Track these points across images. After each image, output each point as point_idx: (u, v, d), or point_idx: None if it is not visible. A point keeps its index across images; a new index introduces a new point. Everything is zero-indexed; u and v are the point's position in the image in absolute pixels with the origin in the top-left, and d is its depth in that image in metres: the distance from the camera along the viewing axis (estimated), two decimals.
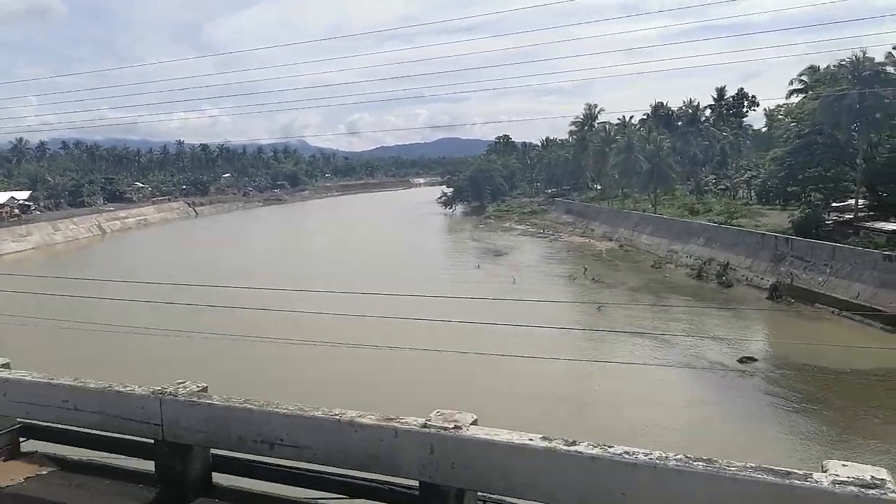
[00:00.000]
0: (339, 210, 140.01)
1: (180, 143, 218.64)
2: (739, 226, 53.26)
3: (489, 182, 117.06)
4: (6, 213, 79.40)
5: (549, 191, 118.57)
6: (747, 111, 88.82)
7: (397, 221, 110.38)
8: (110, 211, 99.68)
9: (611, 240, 69.84)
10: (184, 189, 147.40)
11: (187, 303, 25.70)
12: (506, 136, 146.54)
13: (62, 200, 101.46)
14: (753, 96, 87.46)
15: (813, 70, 72.92)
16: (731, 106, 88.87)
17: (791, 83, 74.89)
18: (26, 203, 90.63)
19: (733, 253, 48.08)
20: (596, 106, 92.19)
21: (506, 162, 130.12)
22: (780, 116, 74.39)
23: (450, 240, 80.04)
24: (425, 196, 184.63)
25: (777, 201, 63.15)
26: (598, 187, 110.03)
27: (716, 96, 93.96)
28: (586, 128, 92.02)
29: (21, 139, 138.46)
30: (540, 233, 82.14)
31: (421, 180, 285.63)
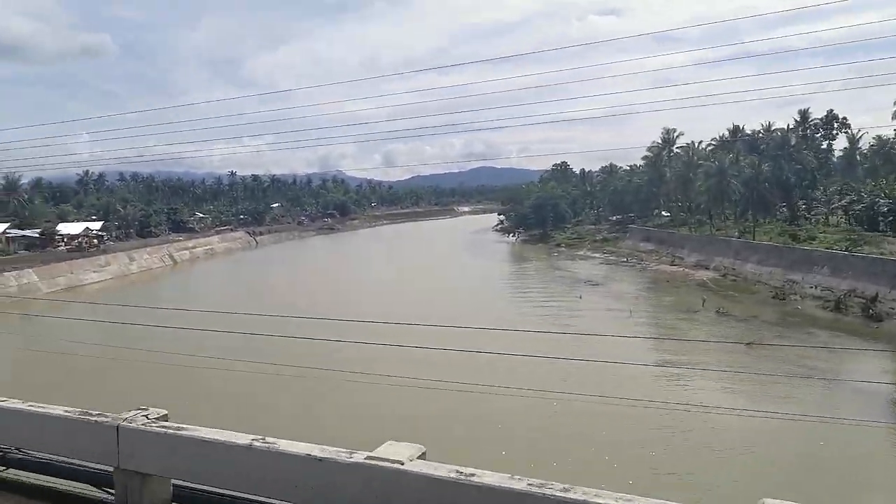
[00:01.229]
0: (395, 239, 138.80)
1: (233, 174, 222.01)
2: (864, 254, 49.45)
3: (554, 209, 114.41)
4: (86, 243, 79.61)
5: (614, 218, 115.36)
6: (837, 133, 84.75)
7: (462, 249, 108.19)
8: (179, 241, 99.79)
9: (707, 268, 66.17)
10: (241, 219, 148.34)
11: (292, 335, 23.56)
12: (563, 163, 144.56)
13: (132, 230, 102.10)
14: (844, 118, 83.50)
15: None
16: (819, 128, 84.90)
17: None
18: (100, 233, 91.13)
19: (872, 283, 44.28)
20: (674, 130, 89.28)
21: (566, 189, 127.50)
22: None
23: (529, 269, 77.22)
24: (476, 224, 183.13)
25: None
26: (666, 214, 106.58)
27: (799, 119, 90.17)
28: (664, 153, 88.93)
29: (87, 171, 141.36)
30: (623, 261, 78.84)
31: (465, 208, 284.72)
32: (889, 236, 59.10)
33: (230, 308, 31.98)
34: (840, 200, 74.28)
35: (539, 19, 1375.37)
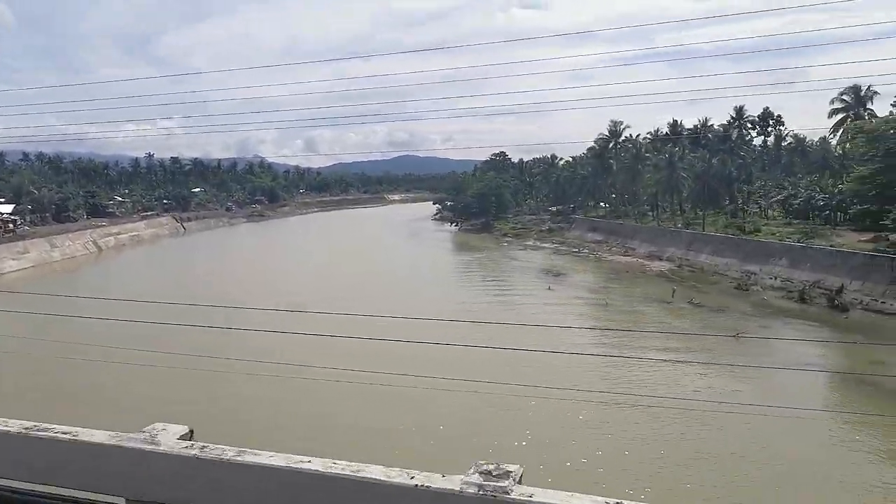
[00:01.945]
0: (331, 227, 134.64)
1: (150, 155, 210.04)
2: (820, 246, 51.54)
3: (498, 199, 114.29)
4: (0, 228, 72.03)
5: (554, 208, 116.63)
6: (772, 130, 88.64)
7: (406, 238, 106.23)
8: (103, 226, 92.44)
9: (661, 259, 67.49)
10: (165, 203, 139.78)
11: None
12: (502, 153, 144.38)
13: (48, 215, 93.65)
14: (779, 115, 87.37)
15: (856, 89, 73.28)
16: (755, 125, 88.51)
17: (832, 102, 75.16)
18: (12, 217, 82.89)
19: (832, 275, 46.05)
20: (621, 123, 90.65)
21: (505, 179, 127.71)
22: (831, 136, 74.17)
23: (484, 259, 76.32)
24: (410, 212, 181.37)
25: (842, 221, 62.34)
26: (604, 205, 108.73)
27: (734, 115, 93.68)
28: (611, 145, 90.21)
29: None
30: (574, 251, 79.38)
31: (395, 196, 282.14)
32: (842, 229, 61.59)
33: (162, 297, 28.90)
34: (778, 195, 77.66)
35: (464, 9, 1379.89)
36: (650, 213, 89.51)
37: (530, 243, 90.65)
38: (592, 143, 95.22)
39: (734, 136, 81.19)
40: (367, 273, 60.16)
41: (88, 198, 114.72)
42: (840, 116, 73.56)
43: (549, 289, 53.03)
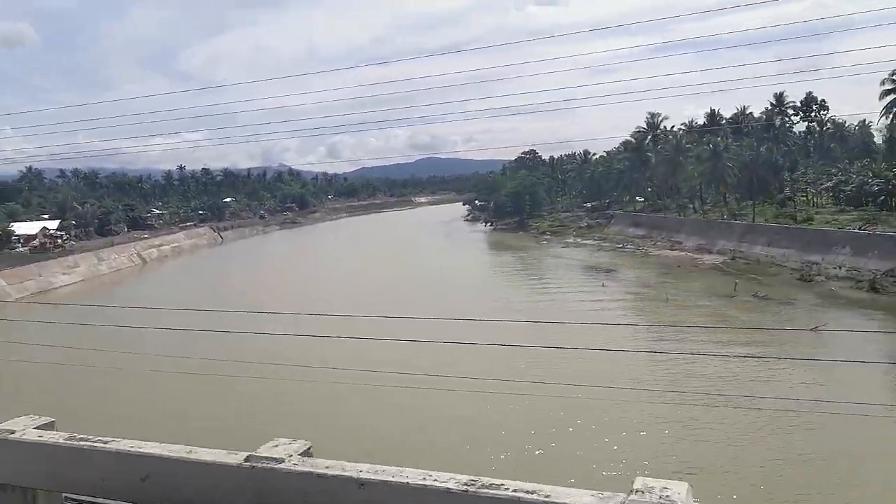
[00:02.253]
0: (365, 231, 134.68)
1: (182, 168, 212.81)
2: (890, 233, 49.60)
3: (532, 197, 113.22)
4: (50, 243, 73.21)
5: (588, 204, 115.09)
6: (815, 116, 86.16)
7: (441, 239, 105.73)
8: (145, 238, 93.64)
9: (711, 252, 65.85)
10: (200, 214, 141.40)
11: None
12: (532, 151, 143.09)
13: (91, 229, 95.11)
14: (823, 100, 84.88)
15: None
16: (797, 111, 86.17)
17: (882, 83, 72.68)
18: (58, 232, 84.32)
19: None
20: (658, 115, 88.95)
21: (537, 177, 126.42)
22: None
23: (526, 258, 75.28)
24: (440, 214, 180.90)
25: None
26: (640, 199, 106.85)
27: (774, 102, 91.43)
28: (648, 138, 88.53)
29: (30, 167, 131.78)
30: (618, 247, 78.02)
31: (422, 199, 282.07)
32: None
33: (217, 307, 28.79)
34: (827, 182, 75.41)
35: (479, 9, 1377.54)
36: (691, 206, 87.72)
37: (570, 240, 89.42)
38: (628, 137, 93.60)
39: (777, 123, 78.99)
40: (415, 276, 59.70)
41: (128, 211, 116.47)
42: (892, 97, 71.02)
43: (603, 286, 52.03)
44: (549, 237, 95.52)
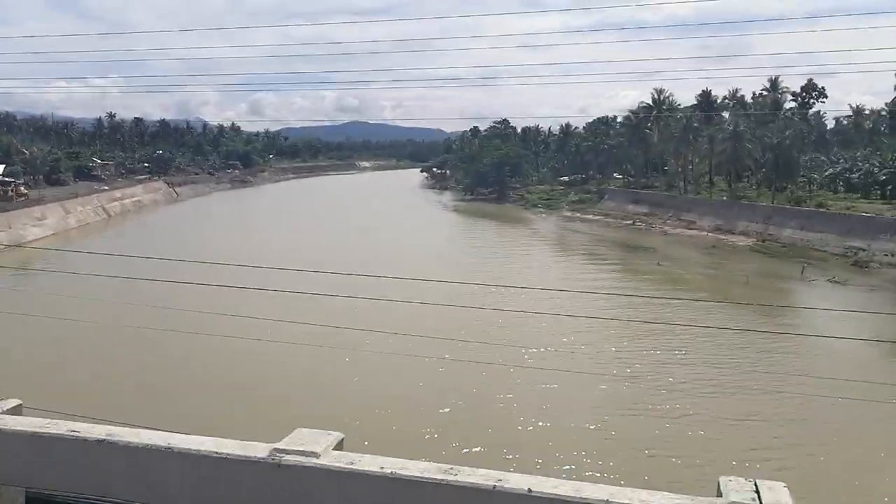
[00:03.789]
0: (331, 194, 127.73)
1: (112, 115, 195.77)
2: None
3: (515, 168, 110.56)
4: (13, 191, 63.54)
5: (566, 178, 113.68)
6: (814, 103, 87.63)
7: (431, 209, 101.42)
8: (105, 191, 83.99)
9: (733, 233, 65.22)
10: (146, 167, 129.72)
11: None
12: (505, 121, 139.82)
13: (41, 177, 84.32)
14: (822, 87, 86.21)
15: None
16: (796, 97, 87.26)
17: None
18: (7, 179, 73.81)
19: None
20: (662, 91, 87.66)
21: (521, 148, 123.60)
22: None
23: (544, 233, 72.12)
24: (393, 180, 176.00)
25: None
26: (618, 176, 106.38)
27: (768, 86, 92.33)
28: (654, 114, 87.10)
29: None
30: (628, 223, 76.43)
31: (366, 164, 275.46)
32: None
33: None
34: (831, 168, 76.58)
35: None
36: (677, 186, 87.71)
37: (568, 214, 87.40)
38: (627, 112, 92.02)
39: (787, 107, 79.46)
40: (450, 255, 55.22)
41: (72, 159, 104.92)
42: None
43: (659, 265, 49.98)
44: (542, 210, 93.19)
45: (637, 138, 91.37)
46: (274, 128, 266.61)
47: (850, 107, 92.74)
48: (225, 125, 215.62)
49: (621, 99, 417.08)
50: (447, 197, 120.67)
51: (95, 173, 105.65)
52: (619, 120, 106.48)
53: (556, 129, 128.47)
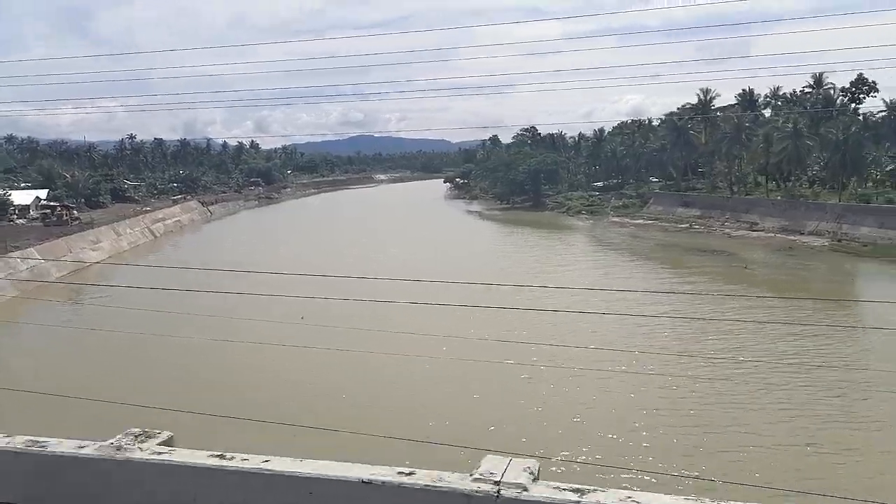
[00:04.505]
0: (358, 209, 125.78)
1: (132, 137, 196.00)
2: None
3: (550, 176, 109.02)
4: (66, 216, 62.48)
5: (600, 184, 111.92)
6: (864, 98, 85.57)
7: (466, 219, 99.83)
8: (147, 212, 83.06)
9: (801, 233, 63.24)
10: (175, 187, 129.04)
11: None
12: (532, 129, 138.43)
13: (82, 200, 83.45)
14: (874, 81, 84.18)
15: None
16: (846, 92, 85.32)
17: None
18: (51, 203, 73.00)
19: None
20: (709, 91, 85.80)
21: (557, 156, 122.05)
22: None
23: (603, 239, 70.27)
24: (415, 191, 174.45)
25: None
26: (655, 180, 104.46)
27: (812, 83, 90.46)
28: (699, 115, 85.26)
29: None
30: (684, 227, 74.58)
31: (383, 176, 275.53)
32: None
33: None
34: (890, 164, 74.59)
35: None
36: (720, 187, 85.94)
37: (617, 220, 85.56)
38: (662, 116, 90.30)
39: (839, 103, 77.56)
40: (529, 268, 53.58)
41: (107, 182, 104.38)
42: None
43: (745, 268, 48.19)
44: (587, 216, 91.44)
45: (682, 140, 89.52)
46: (279, 144, 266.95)
47: (885, 102, 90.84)
48: (244, 143, 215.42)
49: (624, 104, 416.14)
50: (478, 206, 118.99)
51: (129, 195, 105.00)
52: (653, 123, 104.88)
53: (564, 133, 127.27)
